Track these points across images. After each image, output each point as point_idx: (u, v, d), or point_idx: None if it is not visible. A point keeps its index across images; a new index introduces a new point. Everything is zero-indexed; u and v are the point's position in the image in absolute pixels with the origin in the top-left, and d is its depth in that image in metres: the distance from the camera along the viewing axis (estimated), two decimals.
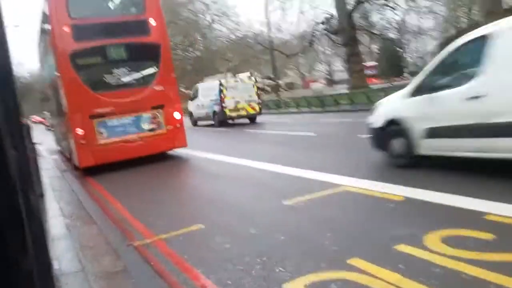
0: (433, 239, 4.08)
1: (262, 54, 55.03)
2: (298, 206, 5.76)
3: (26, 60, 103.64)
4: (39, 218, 2.42)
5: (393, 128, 7.32)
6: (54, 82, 12.63)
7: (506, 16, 6.57)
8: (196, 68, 59.99)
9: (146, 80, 11.91)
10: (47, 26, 11.62)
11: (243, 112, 21.90)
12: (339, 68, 77.77)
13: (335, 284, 3.43)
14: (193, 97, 25.44)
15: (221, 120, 21.76)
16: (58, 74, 11.40)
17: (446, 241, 3.99)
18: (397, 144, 7.26)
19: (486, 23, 6.83)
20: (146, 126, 11.56)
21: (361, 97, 24.82)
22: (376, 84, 47.88)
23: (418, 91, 6.88)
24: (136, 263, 4.46)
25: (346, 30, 34.60)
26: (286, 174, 7.88)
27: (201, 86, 25.47)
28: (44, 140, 24.41)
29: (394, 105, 7.64)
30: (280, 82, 69.16)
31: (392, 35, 57.21)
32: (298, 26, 68.72)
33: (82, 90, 10.86)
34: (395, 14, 45.82)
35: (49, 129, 25.16)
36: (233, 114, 21.68)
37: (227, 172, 9.03)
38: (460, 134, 6.13)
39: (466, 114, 5.94)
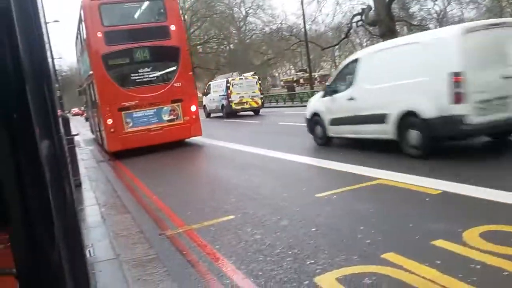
0: (472, 234, 3.89)
1: (297, 47, 54.59)
2: (331, 199, 5.64)
3: (66, 54, 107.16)
4: (74, 208, 2.45)
5: (315, 119, 10.34)
6: (89, 78, 14.78)
7: None
8: (230, 62, 60.18)
9: (167, 78, 13.58)
10: (84, 32, 13.61)
11: (247, 106, 24.88)
12: None
13: (369, 279, 3.32)
14: (207, 92, 28.92)
15: (228, 112, 24.90)
16: (92, 72, 13.30)
17: (485, 236, 3.80)
18: (317, 130, 10.33)
19: None
20: (166, 117, 13.23)
21: None
22: None
23: (326, 93, 10.05)
24: (168, 252, 4.49)
25: (384, 21, 33.69)
26: (318, 166, 7.76)
27: (212, 83, 29.00)
28: (82, 132, 25.29)
29: (315, 102, 10.66)
30: (315, 74, 68.49)
31: (432, 26, 55.52)
32: (334, 18, 67.82)
33: (112, 86, 12.72)
34: (436, 4, 44.35)
35: (87, 120, 26.47)
36: (238, 107, 24.73)
37: (254, 162, 8.98)
38: (345, 122, 9.14)
39: (347, 110, 8.97)
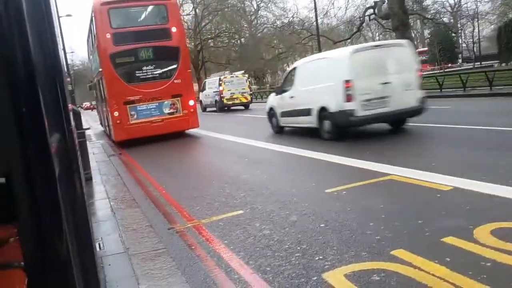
0: (482, 231, 3.85)
1: (308, 41, 54.27)
2: (341, 194, 5.62)
3: (79, 48, 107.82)
4: (84, 201, 2.46)
5: (271, 112, 13.32)
6: (98, 75, 16.50)
7: None
8: (241, 56, 60.06)
9: (168, 75, 15.06)
10: (94, 32, 15.24)
11: (237, 101, 27.87)
12: None
13: (377, 275, 3.31)
14: (203, 89, 32.03)
15: (221, 107, 27.92)
16: (101, 69, 14.97)
17: (497, 234, 3.76)
18: (273, 121, 13.27)
19: None
20: (167, 110, 14.79)
21: None
22: (426, 70, 46.19)
23: (277, 92, 13.13)
24: (177, 246, 4.51)
25: (396, 15, 33.32)
26: (327, 161, 7.72)
27: (207, 80, 32.36)
28: (93, 126, 25.54)
29: (271, 99, 13.70)
30: None
31: (445, 19, 54.83)
32: (346, 11, 67.28)
33: (119, 82, 14.25)
34: None
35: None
36: (230, 102, 27.72)
37: (261, 156, 8.98)
38: (289, 115, 12.01)
39: (290, 105, 11.83)
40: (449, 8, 60.11)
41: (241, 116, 22.68)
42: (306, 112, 10.97)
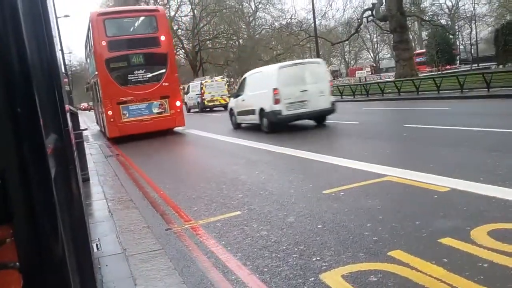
0: (480, 232, 3.86)
1: (306, 42, 54.33)
2: (338, 196, 5.62)
3: (77, 49, 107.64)
4: (80, 202, 2.46)
5: (231, 112, 16.49)
6: (94, 77, 18.09)
7: None
8: (239, 57, 60.03)
9: (157, 78, 16.76)
10: (91, 40, 16.74)
11: (217, 103, 31.01)
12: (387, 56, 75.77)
13: (375, 276, 3.31)
14: (187, 92, 35.13)
15: (202, 107, 31.20)
16: (97, 73, 16.61)
17: (494, 235, 3.77)
18: (233, 119, 16.36)
19: None
20: (155, 110, 16.48)
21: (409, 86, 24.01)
22: (423, 71, 46.24)
23: (234, 96, 16.27)
24: (174, 247, 4.51)
25: (394, 17, 33.41)
26: (327, 163, 7.73)
27: (191, 84, 35.54)
28: (91, 126, 25.54)
29: (231, 102, 17.04)
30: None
31: (443, 21, 54.95)
32: (344, 13, 67.35)
33: (112, 84, 15.97)
34: None
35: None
36: (210, 104, 30.95)
37: (260, 157, 8.98)
38: (242, 114, 15.12)
39: (242, 106, 14.92)
40: (446, 10, 60.31)
41: (219, 116, 24.18)
42: (252, 112, 14.38)
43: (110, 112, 15.94)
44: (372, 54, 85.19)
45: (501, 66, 33.84)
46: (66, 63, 47.33)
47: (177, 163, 10.80)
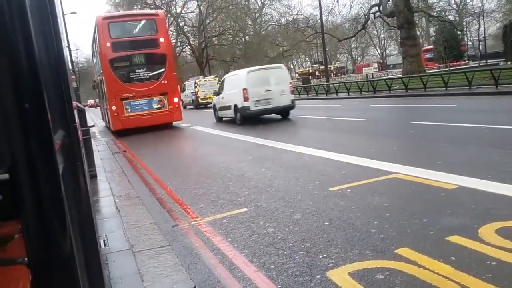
0: (488, 230, 3.83)
1: (312, 39, 54.15)
2: (345, 193, 5.61)
3: (84, 46, 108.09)
4: (88, 198, 2.46)
5: (215, 107, 19.22)
6: (100, 76, 19.88)
7: None
8: (245, 53, 59.95)
9: (156, 76, 18.34)
10: (97, 41, 18.51)
11: (209, 100, 31.18)
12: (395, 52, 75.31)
13: (381, 274, 3.30)
14: (183, 90, 37.21)
15: (196, 105, 34.04)
16: (102, 71, 18.38)
17: (502, 233, 3.74)
18: (216, 113, 19.08)
19: None
20: (155, 105, 18.21)
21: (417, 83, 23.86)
22: (432, 68, 45.92)
23: (216, 94, 19.20)
24: (181, 243, 4.52)
25: (402, 13, 33.18)
26: (333, 160, 7.71)
27: (186, 83, 38.89)
28: (98, 123, 25.73)
29: (214, 99, 19.67)
30: (331, 66, 67.89)
31: (451, 17, 54.53)
32: (351, 9, 67.00)
33: (116, 82, 17.69)
34: None
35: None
36: (203, 101, 33.07)
37: (267, 154, 8.97)
38: (222, 109, 18.20)
39: (222, 103, 18.08)
40: (454, 6, 59.82)
41: (210, 112, 24.38)
42: (229, 107, 17.31)
43: (114, 107, 17.63)
44: (379, 51, 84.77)
45: (509, 63, 33.52)
46: (73, 60, 47.55)
47: (180, 157, 10.83)
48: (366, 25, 45.16)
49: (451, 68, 38.42)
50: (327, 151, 8.46)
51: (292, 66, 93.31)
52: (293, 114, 16.99)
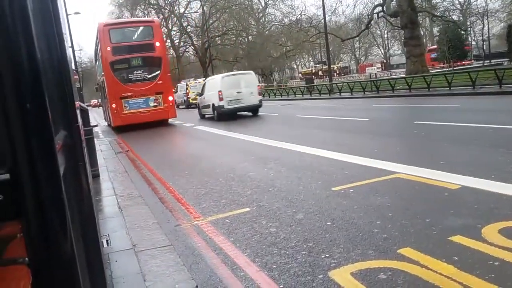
0: (491, 230, 3.82)
1: (316, 39, 54.08)
2: (347, 193, 5.60)
3: (87, 46, 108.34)
4: (90, 198, 2.47)
5: (199, 106, 23.47)
6: (102, 77, 21.88)
7: None
8: (249, 54, 59.92)
9: (152, 78, 20.33)
10: (99, 46, 20.61)
11: None
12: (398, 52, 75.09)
13: (384, 274, 3.29)
14: (175, 91, 39.33)
15: (187, 105, 36.92)
16: (103, 73, 20.41)
17: (505, 233, 3.73)
18: (200, 112, 23.08)
19: None
20: (151, 103, 20.18)
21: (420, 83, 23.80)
22: (435, 67, 45.78)
23: (199, 95, 23.05)
24: (184, 243, 4.52)
25: (405, 12, 33.10)
26: (336, 160, 7.70)
27: (179, 85, 42.23)
28: (100, 123, 25.83)
29: (199, 98, 23.42)
30: (334, 66, 67.77)
31: (455, 17, 54.34)
32: (354, 9, 66.90)
33: (116, 83, 19.66)
34: None
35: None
36: (194, 101, 33.69)
37: (267, 153, 8.96)
38: (203, 108, 21.95)
39: (203, 102, 21.88)
40: (458, 6, 59.59)
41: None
42: (208, 106, 20.69)
43: (114, 105, 19.61)
44: (382, 51, 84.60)
45: None
46: (77, 60, 47.67)
47: (181, 156, 10.83)
48: (369, 25, 45.05)
49: (455, 68, 38.30)
50: (330, 151, 8.46)
51: (295, 66, 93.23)
52: (297, 114, 16.96)
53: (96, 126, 11.77)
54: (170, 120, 21.63)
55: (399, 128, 11.31)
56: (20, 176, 0.92)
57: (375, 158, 7.34)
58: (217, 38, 61.06)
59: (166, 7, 61.42)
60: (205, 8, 57.63)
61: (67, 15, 32.34)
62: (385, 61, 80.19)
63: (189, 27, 63.00)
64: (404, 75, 31.74)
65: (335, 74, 66.59)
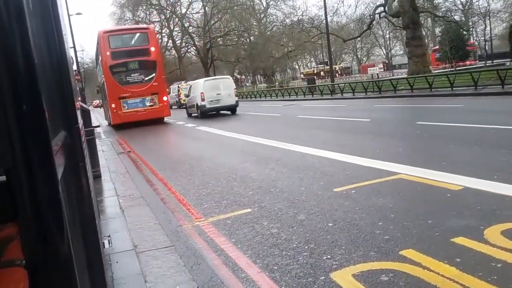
0: (493, 232, 3.79)
1: (317, 39, 54.06)
2: (349, 194, 5.58)
3: (89, 47, 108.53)
4: (90, 199, 2.46)
5: (186, 106, 26.99)
6: (102, 80, 23.99)
7: None
8: (250, 54, 59.92)
9: (148, 80, 22.36)
10: (99, 51, 22.72)
11: None
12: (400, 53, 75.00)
13: (386, 275, 3.27)
14: (168, 92, 41.20)
15: (179, 105, 39.62)
16: (103, 76, 22.48)
17: (508, 234, 3.70)
18: (187, 111, 26.28)
19: None
20: (148, 103, 22.13)
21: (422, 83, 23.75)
22: (437, 68, 45.68)
23: (187, 96, 26.54)
24: (185, 244, 4.51)
25: (407, 13, 33.05)
26: (338, 160, 7.68)
27: (172, 87, 45.33)
28: (102, 123, 25.94)
29: (186, 99, 26.71)
30: (336, 67, 67.69)
31: (457, 17, 54.26)
32: (356, 9, 66.88)
33: (115, 84, 21.67)
34: None
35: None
36: (185, 102, 36.51)
37: (268, 153, 8.94)
38: (190, 108, 25.35)
39: (190, 102, 25.22)
40: (460, 6, 59.52)
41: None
42: (194, 106, 23.95)
43: (113, 105, 21.53)
44: (384, 51, 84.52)
45: None
46: (79, 60, 47.80)
47: (182, 156, 10.82)
48: (371, 25, 45.01)
49: (457, 68, 38.22)
50: (331, 152, 8.44)
51: (297, 67, 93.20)
52: (299, 114, 16.87)
53: (98, 126, 11.81)
54: (167, 120, 23.55)
55: (401, 129, 11.28)
56: (16, 178, 0.91)
57: (377, 158, 7.32)
58: (218, 39, 61.11)
59: (167, 8, 61.50)
60: (206, 8, 57.69)
61: (69, 15, 32.41)
62: (387, 61, 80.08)
63: (190, 27, 63.08)
64: (406, 76, 31.69)
65: (337, 74, 66.53)
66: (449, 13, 48.61)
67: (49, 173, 0.99)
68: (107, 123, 27.31)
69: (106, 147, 13.87)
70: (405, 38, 38.83)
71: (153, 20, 62.45)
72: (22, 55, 0.92)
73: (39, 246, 0.97)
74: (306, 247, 4.02)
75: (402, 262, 3.45)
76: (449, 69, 39.09)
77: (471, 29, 58.19)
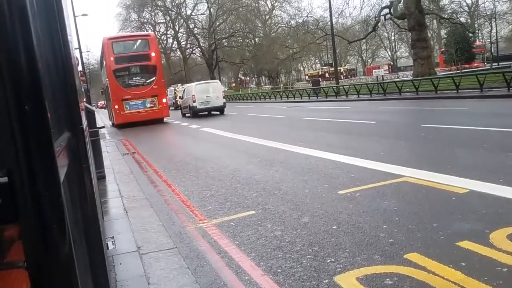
0: (499, 236, 3.76)
1: (322, 41, 54.01)
2: (354, 196, 5.55)
3: (95, 48, 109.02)
4: (93, 200, 2.45)
5: (181, 107, 31.76)
6: (106, 83, 26.27)
7: None
8: (255, 55, 59.94)
9: (149, 83, 24.36)
10: (103, 56, 24.93)
11: None
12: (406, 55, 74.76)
13: (390, 279, 3.24)
14: (167, 95, 46.21)
15: (176, 107, 40.81)
16: (107, 79, 24.66)
17: None
18: (181, 111, 30.42)
19: None
20: (148, 105, 24.14)
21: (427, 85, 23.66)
22: (442, 70, 45.51)
23: (181, 98, 33.29)
24: (188, 246, 4.50)
25: (413, 15, 32.96)
26: (343, 163, 7.65)
27: (169, 89, 46.38)
28: (107, 124, 26.13)
29: (181, 101, 33.06)
30: (341, 68, 67.56)
31: (462, 19, 54.08)
32: (361, 11, 66.78)
33: (118, 87, 23.70)
34: None
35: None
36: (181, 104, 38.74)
37: (272, 155, 8.93)
38: (184, 109, 29.33)
39: (184, 103, 29.43)
40: (466, 8, 59.36)
41: None
42: (187, 107, 27.22)
43: (116, 106, 23.56)
44: (389, 53, 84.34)
45: None
46: (84, 61, 48.01)
47: (185, 158, 10.83)
48: (376, 27, 44.93)
49: (462, 71, 38.07)
50: (336, 154, 8.41)
51: (301, 68, 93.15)
52: (303, 116, 16.83)
53: (102, 127, 11.85)
54: (166, 120, 25.54)
55: (406, 131, 11.23)
56: (18, 178, 0.90)
57: (382, 161, 7.29)
58: (223, 40, 61.21)
59: (173, 9, 61.69)
60: (211, 10, 57.84)
61: (74, 16, 32.58)
62: (392, 63, 79.89)
63: (195, 29, 63.22)
64: (411, 78, 31.59)
65: (341, 76, 66.44)
66: (455, 15, 48.51)
67: (51, 174, 0.99)
68: (110, 124, 28.59)
69: (111, 148, 13.89)
70: (410, 40, 38.72)
71: (159, 21, 62.73)
72: (24, 55, 0.91)
73: (40, 247, 0.97)
74: (310, 250, 4.00)
75: (407, 266, 3.43)
76: (455, 71, 38.95)
77: (477, 31, 57.96)
